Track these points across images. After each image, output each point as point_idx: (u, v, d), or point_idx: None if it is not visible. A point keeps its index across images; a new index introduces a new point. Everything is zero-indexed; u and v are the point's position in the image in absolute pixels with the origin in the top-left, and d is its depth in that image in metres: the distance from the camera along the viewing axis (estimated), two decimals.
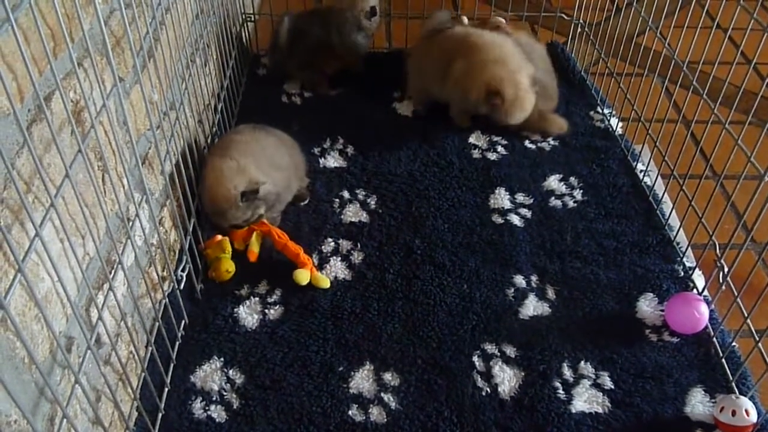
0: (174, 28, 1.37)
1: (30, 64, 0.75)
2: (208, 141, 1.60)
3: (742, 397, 1.16)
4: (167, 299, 1.24)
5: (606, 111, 1.88)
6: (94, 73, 0.99)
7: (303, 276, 1.36)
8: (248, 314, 1.32)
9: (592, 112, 1.89)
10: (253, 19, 2.15)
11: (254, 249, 1.42)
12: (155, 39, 1.25)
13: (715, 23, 1.38)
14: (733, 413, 1.13)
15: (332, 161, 1.70)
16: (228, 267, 1.38)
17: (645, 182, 1.65)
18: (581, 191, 1.62)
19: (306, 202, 1.56)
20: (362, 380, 1.22)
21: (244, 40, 2.09)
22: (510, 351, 1.27)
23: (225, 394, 1.19)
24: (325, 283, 1.37)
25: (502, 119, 1.69)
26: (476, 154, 1.73)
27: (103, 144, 1.03)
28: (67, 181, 0.86)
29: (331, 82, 1.96)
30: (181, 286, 1.30)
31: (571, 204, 1.59)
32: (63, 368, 0.90)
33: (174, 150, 1.33)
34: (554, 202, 1.59)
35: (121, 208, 1.04)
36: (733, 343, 1.26)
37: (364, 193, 1.60)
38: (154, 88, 1.23)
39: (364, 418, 1.16)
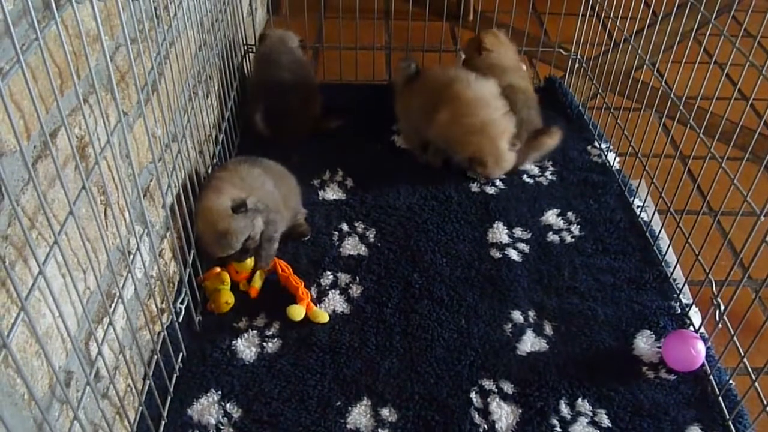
0: (177, 62, 1.39)
1: (37, 102, 0.76)
2: (209, 171, 1.61)
3: None
4: (165, 332, 1.25)
5: (603, 146, 1.90)
6: (99, 109, 1.00)
7: (297, 312, 1.37)
8: (246, 347, 1.32)
9: (589, 147, 1.91)
10: (254, 50, 2.17)
11: (256, 285, 1.42)
12: (159, 73, 1.26)
13: (713, 60, 1.40)
14: None
15: (331, 193, 1.71)
16: (227, 299, 1.39)
17: (642, 218, 1.66)
18: (579, 226, 1.63)
19: (308, 237, 1.57)
20: (360, 415, 1.21)
21: (245, 70, 2.11)
22: (507, 387, 1.27)
23: (222, 428, 1.18)
24: (324, 317, 1.38)
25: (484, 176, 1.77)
26: (474, 187, 1.74)
27: (106, 178, 1.04)
28: (70, 216, 0.87)
29: (330, 115, 1.97)
30: (180, 319, 1.30)
31: (568, 239, 1.60)
32: (62, 403, 0.90)
33: (175, 182, 1.34)
34: (552, 237, 1.60)
35: (122, 241, 1.05)
36: (730, 381, 1.27)
37: (363, 226, 1.61)
38: (157, 122, 1.24)
39: None
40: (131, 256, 1.15)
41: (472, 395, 1.25)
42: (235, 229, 1.33)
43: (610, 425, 1.21)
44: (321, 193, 1.71)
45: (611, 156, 1.86)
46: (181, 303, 1.32)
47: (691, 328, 1.40)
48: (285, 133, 1.84)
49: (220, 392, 1.24)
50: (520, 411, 1.23)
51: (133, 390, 1.14)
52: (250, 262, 1.42)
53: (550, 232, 1.62)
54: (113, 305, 1.08)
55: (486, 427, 1.20)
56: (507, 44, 1.98)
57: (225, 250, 1.36)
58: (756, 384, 1.19)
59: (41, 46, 0.75)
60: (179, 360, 1.28)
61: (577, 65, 2.15)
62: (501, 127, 1.72)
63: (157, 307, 1.26)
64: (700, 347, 1.30)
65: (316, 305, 1.40)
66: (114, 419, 1.08)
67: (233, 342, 1.33)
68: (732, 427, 1.22)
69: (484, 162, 1.72)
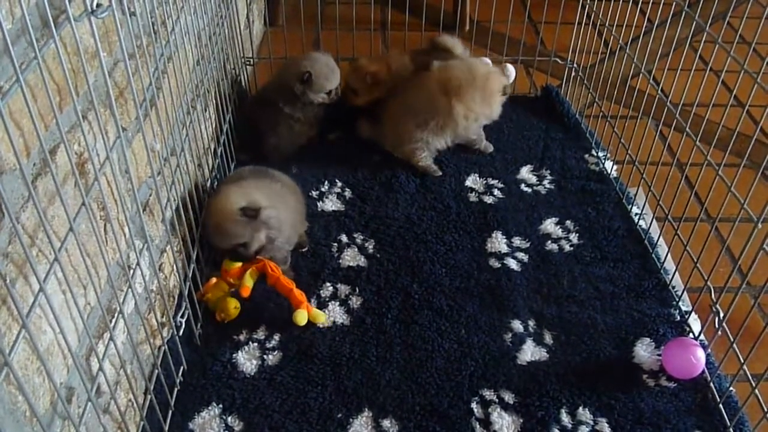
0: (175, 76, 1.39)
1: (36, 120, 0.76)
2: (208, 185, 1.62)
3: None
4: (166, 346, 1.25)
5: (600, 154, 1.91)
6: (98, 125, 1.01)
7: (302, 316, 1.37)
8: (247, 360, 1.32)
9: (586, 155, 1.92)
10: (252, 62, 2.18)
11: (247, 284, 1.39)
12: (157, 88, 1.27)
13: (709, 67, 1.40)
14: None
15: (330, 205, 1.71)
16: (235, 303, 1.39)
17: (640, 225, 1.66)
18: (577, 235, 1.63)
19: (306, 249, 1.57)
20: (361, 427, 1.21)
21: (243, 83, 2.12)
22: (508, 397, 1.27)
23: None
24: (322, 318, 1.39)
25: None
26: (473, 197, 1.75)
27: (106, 194, 1.04)
28: (70, 233, 0.87)
29: (328, 127, 1.97)
30: (180, 332, 1.30)
31: (567, 248, 1.60)
32: (63, 419, 0.90)
33: (174, 196, 1.34)
34: (551, 246, 1.60)
35: (122, 256, 1.06)
36: (731, 388, 1.27)
37: (362, 237, 1.61)
38: (156, 137, 1.24)
39: None
40: (131, 271, 1.15)
41: (473, 405, 1.25)
42: (231, 232, 1.37)
43: None
44: (320, 204, 1.72)
45: (609, 164, 1.87)
46: (182, 317, 1.32)
47: (691, 335, 1.40)
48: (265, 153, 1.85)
49: (221, 405, 1.24)
50: (521, 421, 1.23)
51: (135, 405, 1.14)
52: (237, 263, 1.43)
53: (549, 241, 1.62)
54: (114, 320, 1.08)
55: None
56: (380, 58, 1.99)
57: (216, 244, 1.41)
58: (756, 391, 1.19)
59: (40, 64, 0.76)
60: (180, 374, 1.28)
61: (573, 74, 2.16)
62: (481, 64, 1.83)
63: (157, 321, 1.26)
64: (700, 354, 1.30)
65: (313, 307, 1.41)
66: None
67: (234, 355, 1.33)
68: None
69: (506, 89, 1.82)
